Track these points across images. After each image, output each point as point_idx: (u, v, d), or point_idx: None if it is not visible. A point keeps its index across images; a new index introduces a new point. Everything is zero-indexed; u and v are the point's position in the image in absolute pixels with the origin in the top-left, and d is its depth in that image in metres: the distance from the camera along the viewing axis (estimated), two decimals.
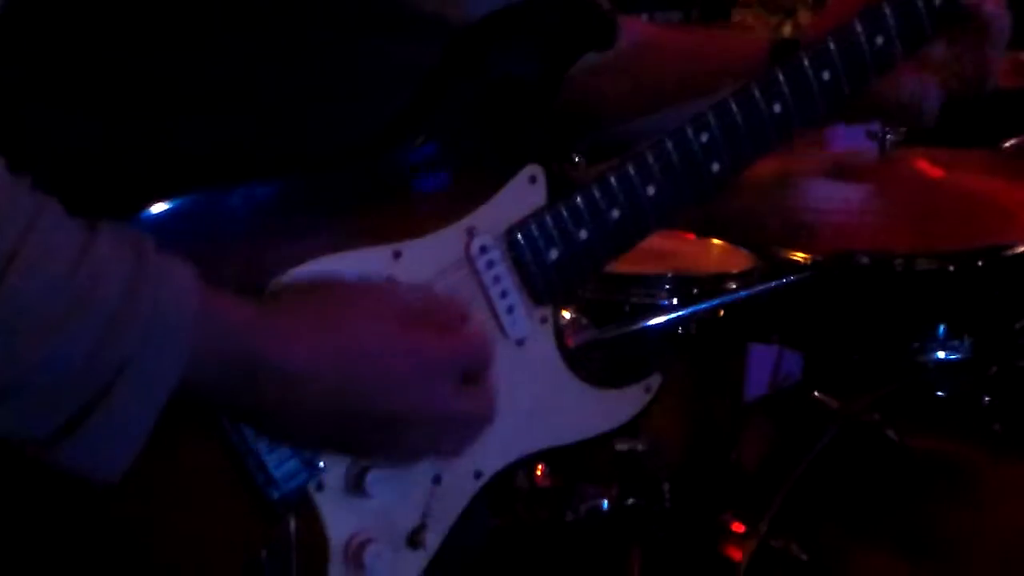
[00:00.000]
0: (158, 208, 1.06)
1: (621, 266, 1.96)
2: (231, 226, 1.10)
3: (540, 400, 1.27)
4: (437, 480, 1.21)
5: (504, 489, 1.29)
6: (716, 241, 2.33)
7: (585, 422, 1.32)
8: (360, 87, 1.19)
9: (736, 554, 2.10)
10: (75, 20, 1.10)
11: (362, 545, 1.15)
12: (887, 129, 2.21)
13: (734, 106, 1.30)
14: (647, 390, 1.34)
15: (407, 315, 1.11)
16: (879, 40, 1.35)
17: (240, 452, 1.09)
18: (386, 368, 1.08)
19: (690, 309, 2.05)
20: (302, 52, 1.14)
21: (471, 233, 1.22)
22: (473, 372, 1.14)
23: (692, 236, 2.35)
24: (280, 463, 1.10)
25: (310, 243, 1.12)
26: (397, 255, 1.17)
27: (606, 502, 2.10)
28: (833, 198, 2.31)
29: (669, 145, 1.29)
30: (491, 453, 1.22)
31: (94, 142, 1.11)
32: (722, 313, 2.16)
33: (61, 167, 1.07)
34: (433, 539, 1.21)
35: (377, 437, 1.11)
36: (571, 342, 1.76)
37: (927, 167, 2.36)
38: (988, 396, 2.25)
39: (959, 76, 1.41)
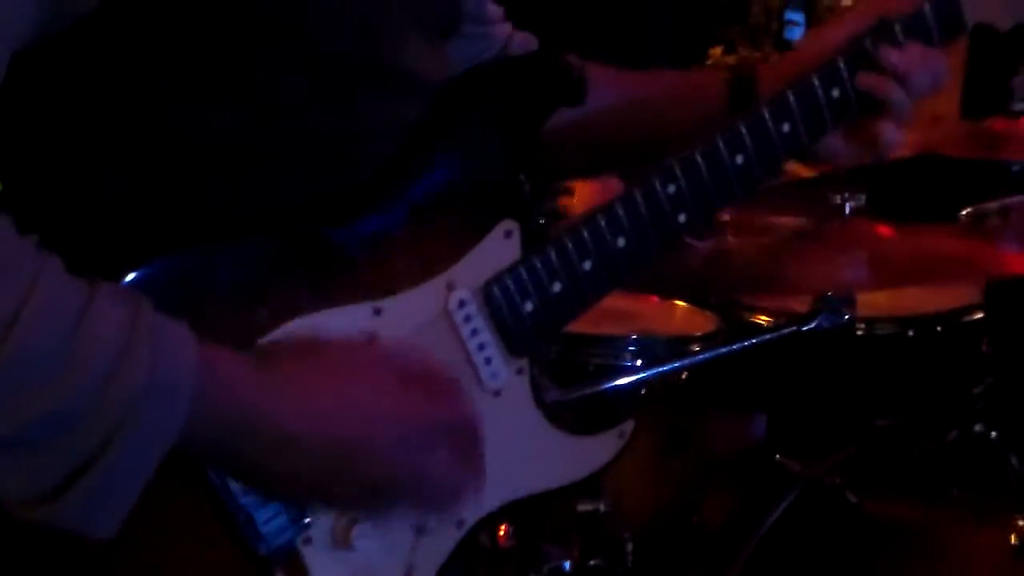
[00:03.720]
0: (144, 268, 1.06)
1: (585, 327, 1.97)
2: (215, 286, 1.10)
3: (519, 448, 1.29)
4: (420, 531, 1.22)
5: (467, 549, 1.29)
6: (680, 303, 2.34)
7: (564, 468, 1.35)
8: (337, 144, 1.19)
9: None
10: (70, 78, 1.08)
11: None
12: (847, 196, 2.24)
13: (699, 158, 1.34)
14: (621, 436, 1.37)
15: (402, 377, 1.12)
16: (835, 92, 1.39)
17: (229, 508, 1.09)
18: (382, 432, 1.09)
19: (654, 371, 2.06)
20: (284, 108, 1.15)
21: (449, 287, 1.24)
22: (465, 438, 1.16)
23: (655, 298, 2.37)
24: (268, 519, 1.11)
25: (293, 301, 1.13)
26: (378, 311, 1.18)
27: (568, 563, 2.09)
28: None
29: (638, 197, 1.32)
30: (474, 501, 1.23)
31: (90, 197, 1.11)
32: (685, 375, 2.17)
33: (58, 222, 1.07)
34: None
35: (366, 497, 1.12)
36: None
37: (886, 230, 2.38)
38: (947, 461, 2.27)
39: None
